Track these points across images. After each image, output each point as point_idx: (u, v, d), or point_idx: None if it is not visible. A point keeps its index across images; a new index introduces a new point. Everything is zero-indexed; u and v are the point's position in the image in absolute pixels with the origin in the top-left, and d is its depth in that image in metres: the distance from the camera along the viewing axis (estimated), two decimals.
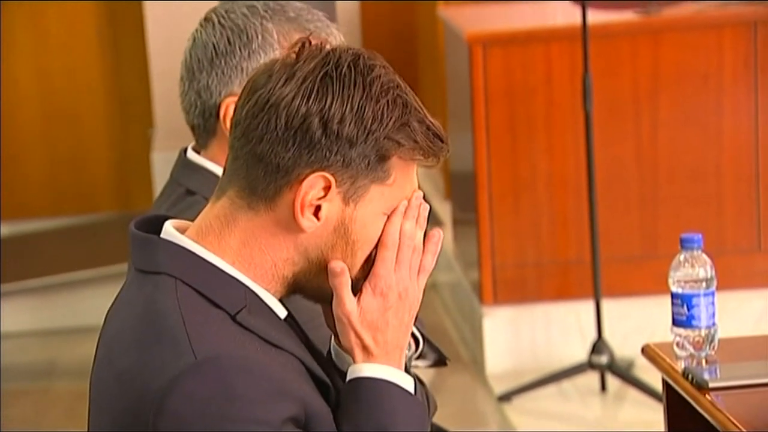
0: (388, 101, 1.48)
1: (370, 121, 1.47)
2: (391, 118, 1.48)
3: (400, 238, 1.52)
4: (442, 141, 1.52)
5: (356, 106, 1.47)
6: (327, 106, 1.46)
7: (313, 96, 1.46)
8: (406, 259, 1.53)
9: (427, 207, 1.55)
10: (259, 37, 1.91)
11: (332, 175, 1.47)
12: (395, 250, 1.52)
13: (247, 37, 1.91)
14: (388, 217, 1.52)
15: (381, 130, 1.48)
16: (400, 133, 1.49)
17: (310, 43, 1.51)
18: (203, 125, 1.96)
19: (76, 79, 5.48)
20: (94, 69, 5.49)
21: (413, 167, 1.52)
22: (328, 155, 1.47)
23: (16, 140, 5.45)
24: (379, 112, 1.47)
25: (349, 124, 1.47)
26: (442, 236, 1.57)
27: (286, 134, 1.46)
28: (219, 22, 1.93)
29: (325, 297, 1.54)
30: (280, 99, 1.47)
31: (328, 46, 1.51)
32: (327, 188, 1.48)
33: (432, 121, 1.51)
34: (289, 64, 1.49)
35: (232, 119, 1.52)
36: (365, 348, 1.52)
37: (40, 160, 5.51)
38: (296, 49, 1.50)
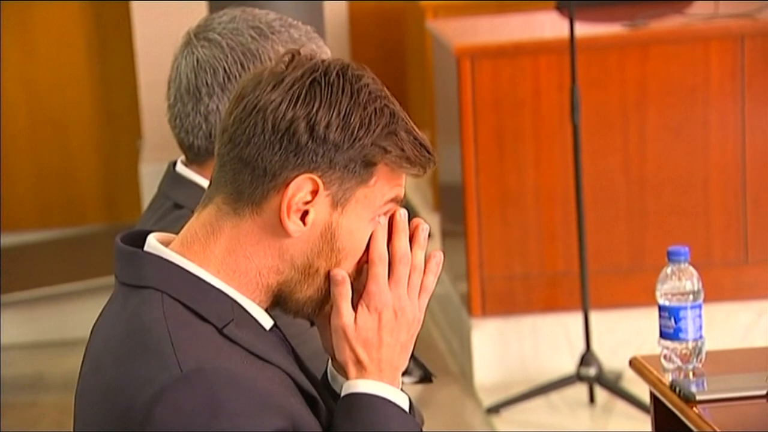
0: (375, 109, 1.49)
1: (356, 127, 1.48)
2: (378, 126, 1.49)
3: (393, 256, 1.52)
4: (429, 152, 1.52)
5: (343, 112, 1.47)
6: (314, 111, 1.47)
7: (300, 101, 1.47)
8: (403, 278, 1.53)
9: (427, 227, 1.55)
10: (272, 62, 1.91)
11: (319, 177, 1.48)
12: (384, 266, 1.52)
13: (260, 62, 1.90)
14: (372, 236, 1.52)
15: (368, 136, 1.48)
16: (386, 141, 1.49)
17: (299, 53, 1.52)
18: (206, 147, 1.95)
19: (64, 90, 5.48)
20: (81, 80, 5.49)
21: (399, 176, 1.52)
22: (314, 158, 1.47)
23: (4, 153, 5.44)
24: (366, 119, 1.48)
25: (336, 129, 1.47)
26: (443, 258, 1.57)
27: (272, 138, 1.47)
28: (228, 44, 1.91)
29: (307, 310, 1.54)
30: (267, 104, 1.48)
31: (317, 57, 1.51)
32: (314, 192, 1.48)
33: (419, 133, 1.52)
34: (278, 72, 1.50)
35: (219, 127, 1.53)
36: (359, 362, 1.52)
37: (27, 172, 5.50)
38: (285, 59, 1.51)
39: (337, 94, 1.48)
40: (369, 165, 1.49)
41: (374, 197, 1.51)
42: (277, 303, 1.53)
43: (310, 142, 1.47)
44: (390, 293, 1.52)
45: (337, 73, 1.49)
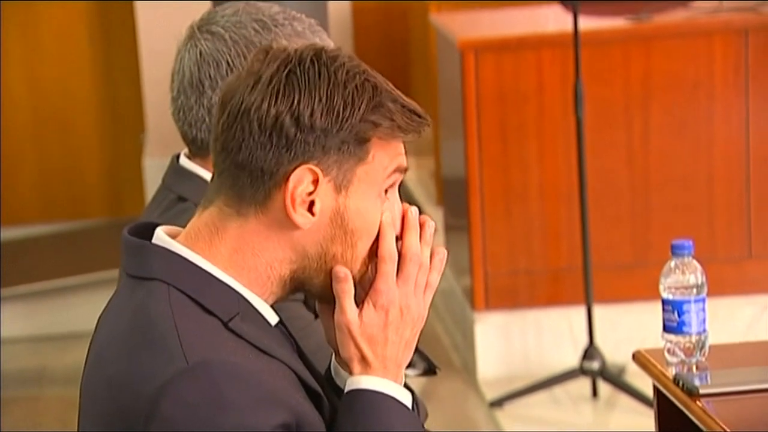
0: (356, 86, 1.48)
1: (341, 108, 1.47)
2: (362, 102, 1.48)
3: (404, 254, 1.53)
4: (419, 116, 1.51)
5: (324, 96, 1.47)
6: (295, 102, 1.47)
7: (280, 95, 1.47)
8: (411, 275, 1.53)
9: (433, 224, 1.56)
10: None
11: (316, 165, 1.48)
12: (393, 265, 1.52)
13: None
14: (380, 231, 1.51)
15: (354, 115, 1.48)
16: (374, 114, 1.49)
17: (272, 48, 1.52)
18: (209, 140, 1.94)
19: (68, 85, 5.48)
20: (85, 75, 5.49)
21: (396, 145, 1.52)
22: (307, 148, 1.47)
23: (7, 147, 5.44)
24: (349, 98, 1.48)
25: (321, 116, 1.47)
26: (447, 255, 1.57)
27: (261, 138, 1.47)
28: (231, 37, 1.91)
29: (329, 295, 1.53)
30: (249, 105, 1.48)
31: (289, 48, 1.51)
32: (315, 182, 1.48)
33: (406, 99, 1.51)
34: (255, 70, 1.50)
35: (211, 136, 1.53)
36: (364, 359, 1.53)
37: (31, 167, 5.50)
38: (260, 56, 1.51)
39: (314, 80, 1.47)
40: (362, 142, 1.48)
41: (376, 172, 1.50)
42: (297, 290, 1.53)
43: (298, 134, 1.47)
44: (397, 291, 1.52)
45: (311, 60, 1.48)
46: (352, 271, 1.51)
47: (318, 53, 1.49)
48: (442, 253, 1.56)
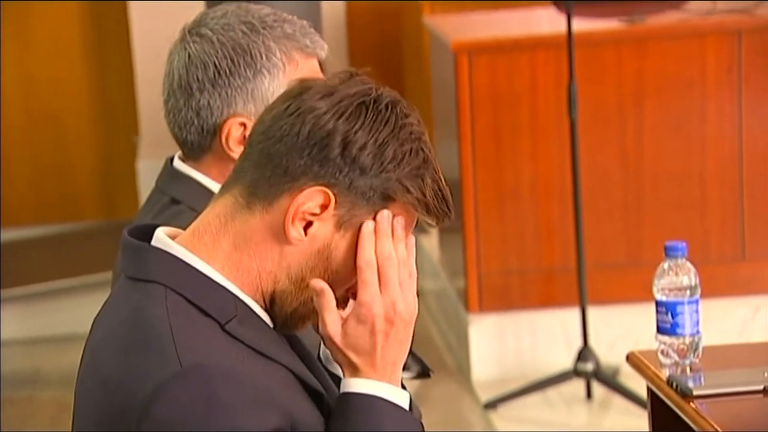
0: (411, 149, 1.50)
1: (388, 159, 1.49)
2: (409, 165, 1.50)
3: (379, 260, 1.52)
4: (448, 207, 1.53)
5: (380, 141, 1.49)
6: (353, 130, 1.49)
7: (343, 116, 1.49)
8: (393, 279, 1.52)
9: (401, 219, 1.55)
10: (263, 57, 1.91)
11: (334, 194, 1.49)
12: (373, 272, 1.51)
13: (251, 57, 1.90)
14: (358, 243, 1.52)
15: (395, 171, 1.49)
16: (411, 181, 1.50)
17: (357, 74, 1.54)
18: (199, 142, 1.94)
19: (61, 86, 5.48)
20: (79, 76, 5.49)
21: (411, 219, 1.53)
22: (337, 174, 1.48)
23: (0, 148, 5.44)
24: (400, 155, 1.50)
25: (368, 154, 1.49)
26: (414, 240, 1.57)
27: (305, 142, 1.49)
28: (218, 39, 1.91)
29: (293, 324, 1.54)
30: (311, 109, 1.50)
31: (373, 83, 1.53)
32: (324, 207, 1.49)
33: (444, 185, 1.53)
34: (331, 85, 1.52)
35: (256, 119, 1.54)
36: (352, 365, 1.53)
37: (24, 168, 5.50)
38: (342, 76, 1.53)
39: (380, 123, 1.49)
40: (386, 199, 1.50)
41: None
42: (269, 311, 1.54)
43: (339, 158, 1.48)
44: (382, 300, 1.52)
45: (387, 104, 1.51)
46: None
47: (395, 102, 1.52)
48: (411, 239, 1.56)
